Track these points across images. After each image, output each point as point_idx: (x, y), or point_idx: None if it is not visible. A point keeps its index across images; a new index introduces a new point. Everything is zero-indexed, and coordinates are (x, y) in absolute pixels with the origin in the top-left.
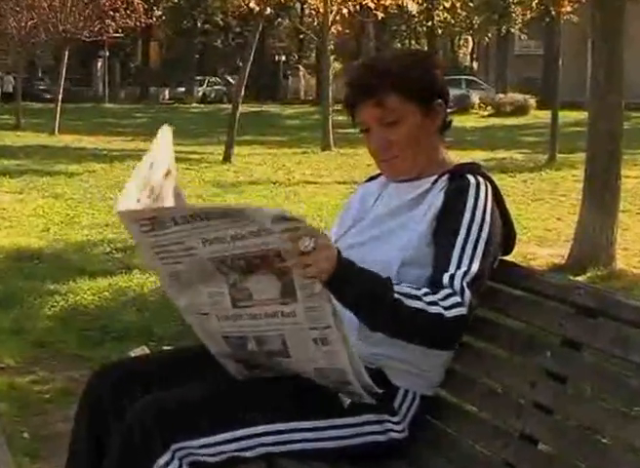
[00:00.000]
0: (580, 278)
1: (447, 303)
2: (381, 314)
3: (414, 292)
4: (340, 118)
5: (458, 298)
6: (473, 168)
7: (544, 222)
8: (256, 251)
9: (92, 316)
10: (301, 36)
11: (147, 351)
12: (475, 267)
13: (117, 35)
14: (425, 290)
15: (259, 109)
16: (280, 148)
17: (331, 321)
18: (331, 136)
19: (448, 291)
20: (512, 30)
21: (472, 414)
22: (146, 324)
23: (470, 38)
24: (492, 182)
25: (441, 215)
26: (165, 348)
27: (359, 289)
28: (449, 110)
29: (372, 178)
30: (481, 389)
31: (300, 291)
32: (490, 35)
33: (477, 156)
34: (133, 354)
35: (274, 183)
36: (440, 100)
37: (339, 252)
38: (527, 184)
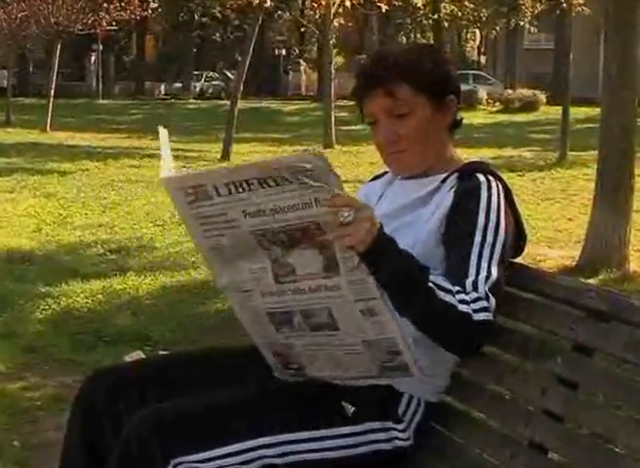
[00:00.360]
0: (591, 280)
1: (476, 306)
2: (413, 299)
3: (448, 285)
4: (343, 114)
5: (485, 303)
6: (482, 166)
7: (555, 223)
8: (296, 223)
9: (85, 319)
10: (303, 29)
11: (143, 356)
12: (495, 272)
13: (111, 28)
14: (458, 287)
15: (258, 105)
16: (280, 146)
17: (377, 293)
18: (333, 134)
19: (476, 294)
20: (522, 23)
21: (480, 422)
22: (142, 328)
23: (478, 31)
24: (502, 181)
25: (452, 216)
26: (161, 353)
27: (395, 267)
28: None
29: (376, 178)
30: (489, 395)
31: (343, 264)
32: (498, 28)
33: (485, 154)
34: (128, 359)
35: None
36: (452, 97)
37: (381, 226)
38: (537, 183)
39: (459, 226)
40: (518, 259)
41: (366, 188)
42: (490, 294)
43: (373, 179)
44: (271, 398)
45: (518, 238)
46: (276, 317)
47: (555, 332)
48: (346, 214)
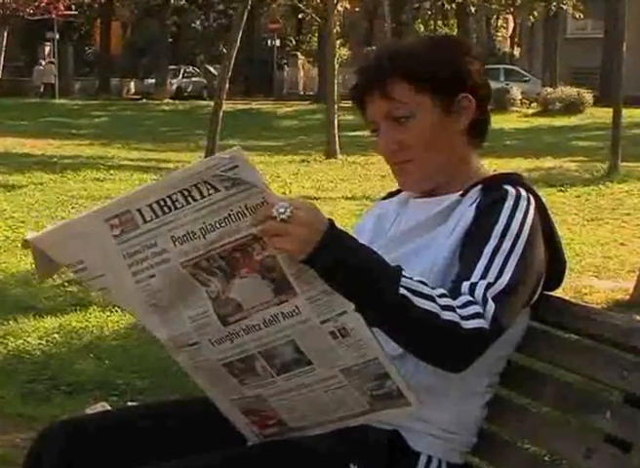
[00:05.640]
0: None
1: (465, 312)
2: (382, 311)
3: (427, 290)
4: (348, 118)
5: (478, 308)
6: (513, 178)
7: (604, 248)
8: (232, 241)
9: (38, 365)
10: (300, 16)
11: (108, 408)
12: (504, 280)
13: (69, 13)
14: (442, 291)
15: (247, 107)
16: (274, 155)
17: (346, 304)
18: (336, 141)
19: (468, 298)
20: (564, 7)
21: None
22: (106, 374)
23: (511, 18)
24: (537, 197)
25: (472, 229)
26: (129, 404)
27: (352, 275)
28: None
29: (390, 195)
30: (523, 456)
31: (296, 280)
32: (536, 14)
33: (518, 165)
34: (90, 411)
35: None
36: (466, 95)
37: (331, 224)
38: (581, 201)
39: (475, 236)
40: (557, 292)
41: (379, 207)
42: (490, 300)
43: (386, 197)
44: (264, 460)
45: (555, 266)
46: (235, 367)
47: (603, 381)
48: (282, 209)
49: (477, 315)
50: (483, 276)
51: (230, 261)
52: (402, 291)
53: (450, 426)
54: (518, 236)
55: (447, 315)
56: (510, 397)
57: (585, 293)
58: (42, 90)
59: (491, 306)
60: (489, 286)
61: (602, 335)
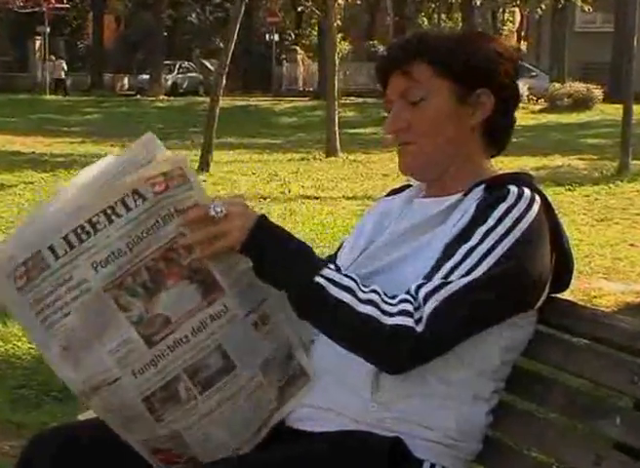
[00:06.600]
0: None
1: (390, 309)
2: (299, 298)
3: (350, 283)
4: (349, 115)
5: (408, 307)
6: (520, 178)
7: (613, 249)
8: (158, 249)
9: (28, 370)
10: (300, 9)
11: None
12: (466, 280)
13: (61, 6)
14: (375, 288)
15: (245, 103)
16: (272, 154)
17: (268, 290)
18: (337, 139)
19: (405, 296)
20: (573, 0)
21: None
22: None
23: (518, 11)
24: (543, 198)
25: (463, 228)
26: None
27: (278, 260)
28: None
29: (394, 192)
30: (529, 464)
31: (224, 277)
32: (543, 7)
33: (525, 164)
34: (81, 418)
35: (265, 199)
36: (486, 90)
37: (262, 217)
38: (590, 200)
39: (457, 238)
40: (565, 294)
41: (382, 205)
42: (433, 301)
43: (390, 194)
44: None
45: (562, 268)
46: (156, 398)
47: (612, 386)
48: (219, 208)
49: (404, 312)
50: (446, 276)
51: (155, 275)
52: (318, 279)
53: (453, 433)
54: (504, 237)
55: (363, 308)
56: (516, 402)
57: (595, 296)
58: (54, 86)
59: (429, 308)
60: (442, 285)
61: (611, 339)
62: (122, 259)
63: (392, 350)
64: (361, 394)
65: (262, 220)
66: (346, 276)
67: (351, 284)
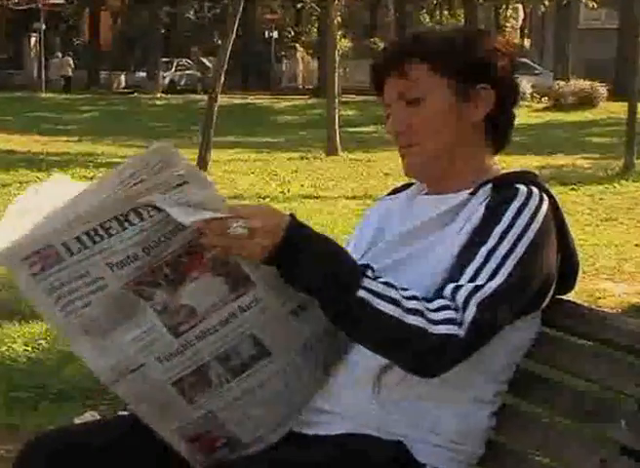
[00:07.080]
0: None
1: (436, 316)
2: (340, 314)
3: (392, 292)
4: (350, 113)
5: (453, 314)
6: (527, 177)
7: (618, 249)
8: (177, 249)
9: (24, 372)
10: (299, 5)
11: (98, 417)
12: (495, 284)
13: (57, 2)
14: (413, 293)
15: (244, 101)
16: (272, 152)
17: None
18: (338, 137)
19: (444, 302)
20: None
21: None
22: (95, 382)
23: (521, 7)
24: (551, 197)
25: (475, 229)
26: (121, 413)
27: (312, 277)
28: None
29: (395, 192)
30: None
31: (255, 273)
32: (547, 3)
33: (528, 163)
34: (78, 421)
35: (264, 198)
36: (486, 86)
37: (291, 224)
38: (595, 200)
39: (473, 239)
40: (570, 296)
41: (384, 204)
42: (472, 306)
43: (391, 193)
44: None
45: (567, 269)
46: (186, 383)
47: (618, 389)
48: (239, 230)
49: (449, 321)
50: (472, 279)
51: (177, 267)
52: (361, 293)
53: (456, 436)
54: (520, 237)
55: (412, 319)
56: (520, 406)
57: (599, 297)
58: (63, 83)
59: (471, 312)
60: (476, 290)
61: (616, 341)
62: (139, 262)
63: (440, 358)
64: (364, 397)
65: (291, 233)
66: (386, 283)
67: (393, 293)
